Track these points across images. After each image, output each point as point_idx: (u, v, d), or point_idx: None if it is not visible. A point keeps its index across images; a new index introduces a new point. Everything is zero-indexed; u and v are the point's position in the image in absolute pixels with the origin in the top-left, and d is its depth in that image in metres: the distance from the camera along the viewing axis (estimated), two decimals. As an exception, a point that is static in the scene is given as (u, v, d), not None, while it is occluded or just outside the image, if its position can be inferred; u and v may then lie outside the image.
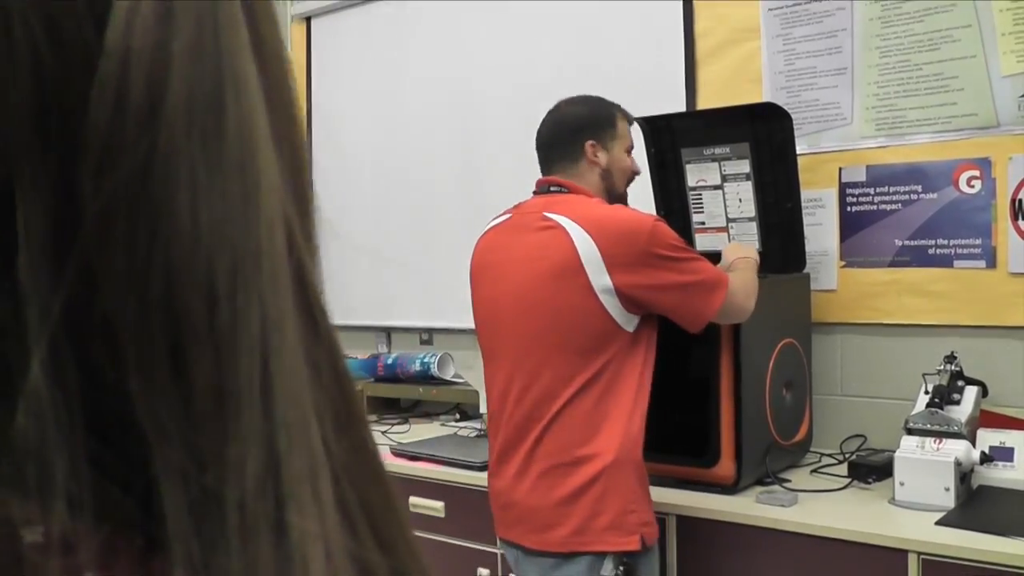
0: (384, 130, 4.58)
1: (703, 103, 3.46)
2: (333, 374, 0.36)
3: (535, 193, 2.61)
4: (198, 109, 0.31)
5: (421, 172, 4.39)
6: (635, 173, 2.72)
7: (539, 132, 2.69)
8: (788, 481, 2.76)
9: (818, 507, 2.55)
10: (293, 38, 5.01)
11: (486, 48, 4.17)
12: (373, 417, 4.12)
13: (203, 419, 0.31)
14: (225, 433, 0.31)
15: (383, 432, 3.80)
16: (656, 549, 2.47)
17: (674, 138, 3.21)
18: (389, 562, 0.36)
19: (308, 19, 4.94)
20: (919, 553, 2.23)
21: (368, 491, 0.36)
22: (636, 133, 2.82)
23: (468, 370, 3.79)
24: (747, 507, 2.58)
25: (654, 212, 3.26)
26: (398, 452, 3.39)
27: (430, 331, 4.38)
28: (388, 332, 4.54)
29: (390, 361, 4.21)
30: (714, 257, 2.74)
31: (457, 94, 4.25)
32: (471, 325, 3.71)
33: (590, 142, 2.60)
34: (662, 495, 2.71)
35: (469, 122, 4.21)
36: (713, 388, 2.68)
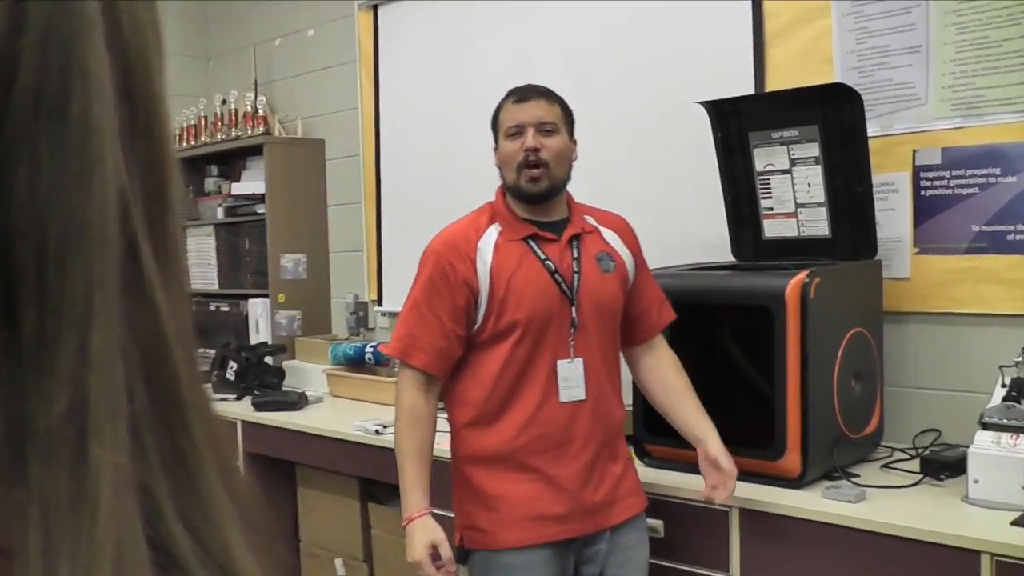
0: (449, 115, 4.56)
1: (772, 85, 3.36)
2: (153, 336, 0.40)
3: None
4: (45, 96, 0.36)
5: (485, 159, 4.33)
6: (518, 154, 2.49)
7: None
8: (856, 476, 2.66)
9: (887, 504, 2.45)
10: (360, 26, 5.00)
11: (550, 33, 4.11)
12: (440, 404, 4.09)
13: (27, 359, 0.36)
14: (43, 372, 0.36)
15: (447, 419, 3.76)
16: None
17: (741, 122, 3.12)
18: (180, 498, 0.40)
19: (375, 7, 4.93)
20: (992, 554, 2.14)
21: (172, 436, 0.41)
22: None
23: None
24: (813, 502, 2.50)
25: (722, 198, 3.19)
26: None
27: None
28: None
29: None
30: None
31: (522, 80, 4.17)
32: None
33: (493, 147, 2.63)
34: (725, 488, 2.65)
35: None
36: (779, 379, 2.60)
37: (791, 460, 2.60)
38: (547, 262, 2.48)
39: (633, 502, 2.57)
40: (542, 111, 2.51)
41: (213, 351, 5.19)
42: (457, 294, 2.45)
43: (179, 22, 6.05)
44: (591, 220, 2.61)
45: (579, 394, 2.47)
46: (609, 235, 2.62)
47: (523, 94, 2.55)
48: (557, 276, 2.47)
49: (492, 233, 2.50)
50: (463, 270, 2.45)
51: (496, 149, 2.59)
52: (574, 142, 2.60)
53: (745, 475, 2.68)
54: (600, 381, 2.51)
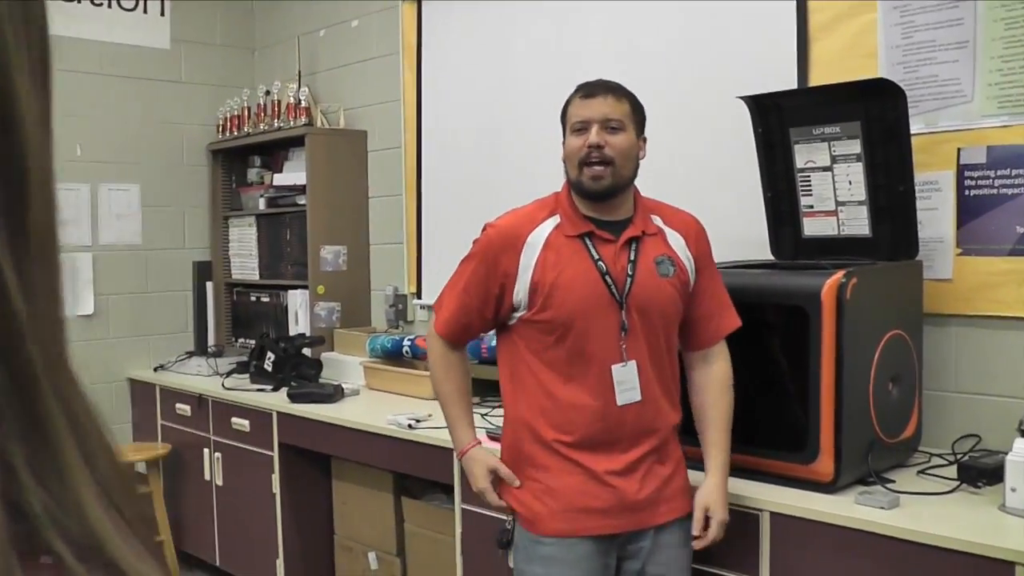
0: (491, 109, 4.53)
1: (815, 80, 3.30)
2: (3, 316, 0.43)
3: None
4: None
5: (526, 152, 4.31)
6: (581, 150, 2.46)
7: None
8: (892, 482, 2.60)
9: (921, 511, 2.39)
10: (404, 17, 4.98)
11: (592, 27, 4.07)
12: (476, 399, 4.07)
13: None
14: None
15: (483, 415, 3.74)
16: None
17: (782, 117, 3.07)
18: (35, 463, 0.43)
19: (419, 0, 4.90)
20: (1028, 566, 2.07)
21: (28, 408, 0.44)
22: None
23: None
24: (845, 507, 2.44)
25: (762, 195, 3.14)
26: (494, 435, 3.32)
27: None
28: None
29: (495, 343, 4.13)
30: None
31: (564, 73, 4.15)
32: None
33: (562, 142, 2.59)
34: (756, 490, 2.61)
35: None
36: (813, 380, 2.55)
37: (824, 464, 2.54)
38: (600, 262, 2.44)
39: (679, 504, 2.53)
40: (608, 107, 2.45)
41: (253, 341, 5.22)
42: (493, 283, 2.50)
43: (225, 13, 6.07)
44: (658, 221, 2.55)
45: (636, 396, 2.45)
46: (674, 237, 2.54)
47: (591, 89, 2.49)
48: (608, 278, 2.43)
49: (548, 226, 2.49)
50: (506, 262, 2.47)
51: (564, 143, 2.55)
52: (643, 140, 2.55)
53: (778, 479, 2.64)
54: (649, 384, 2.47)
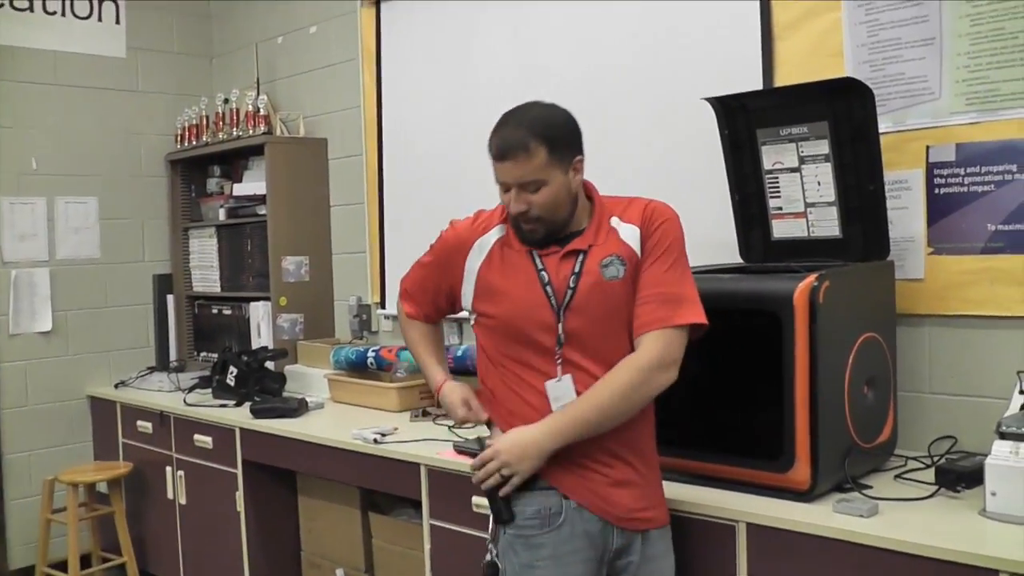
0: (453, 114, 4.47)
1: (781, 80, 3.26)
2: None
3: None
4: None
5: (488, 157, 4.24)
6: (509, 206, 2.39)
7: None
8: (869, 488, 2.55)
9: (901, 518, 2.33)
10: (363, 22, 4.92)
11: (555, 30, 4.02)
12: (441, 410, 4.00)
13: None
14: None
15: (450, 427, 3.68)
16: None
17: (748, 118, 3.02)
18: None
19: (378, 3, 4.84)
20: (1012, 573, 2.02)
21: None
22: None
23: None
24: (823, 516, 2.38)
25: (730, 197, 3.09)
26: (461, 449, 3.26)
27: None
28: (460, 323, 4.40)
29: (460, 353, 4.08)
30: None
31: (524, 74, 4.10)
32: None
33: None
34: (730, 501, 2.55)
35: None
36: (787, 386, 2.49)
37: (800, 472, 2.48)
38: (543, 272, 2.38)
39: (655, 515, 2.45)
40: (519, 170, 2.31)
41: (215, 355, 5.12)
42: (443, 281, 2.58)
43: (182, 20, 5.97)
44: (615, 221, 2.41)
45: None
46: (628, 231, 2.40)
47: (500, 150, 2.34)
48: (548, 288, 2.36)
49: (496, 234, 2.47)
50: (456, 263, 2.52)
51: None
52: (578, 161, 2.38)
53: (752, 488, 2.58)
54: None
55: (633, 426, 2.40)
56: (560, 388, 2.36)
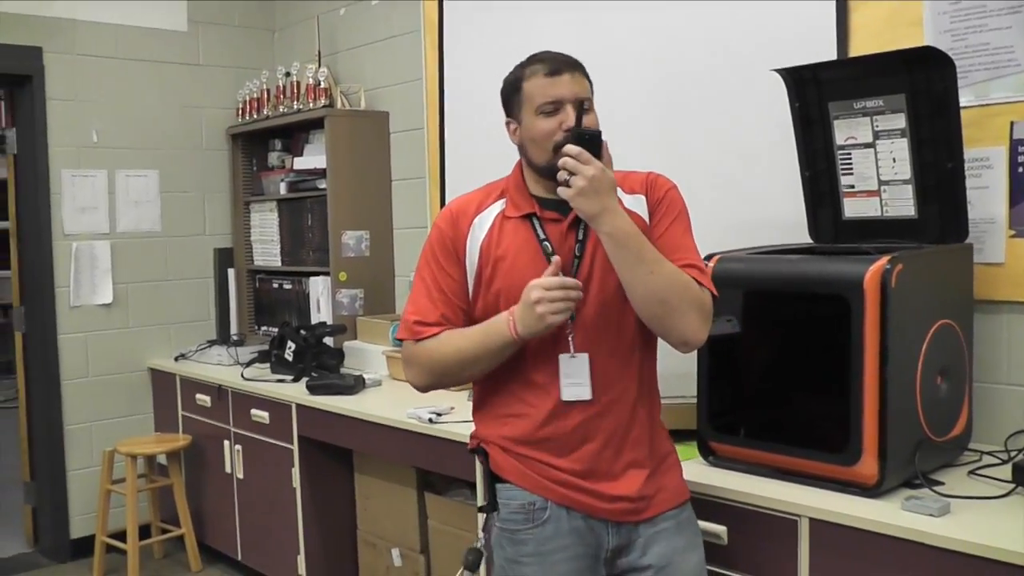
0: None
1: (856, 50, 3.11)
2: None
3: None
4: None
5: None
6: (555, 133, 2.20)
7: None
8: (940, 484, 2.40)
9: (974, 518, 2.19)
10: (426, 11, 4.81)
11: (617, 7, 3.87)
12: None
13: None
14: None
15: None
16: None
17: (821, 90, 2.88)
18: None
19: (441, -11, 4.74)
20: (1095, 581, 1.88)
21: None
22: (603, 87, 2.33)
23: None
24: (891, 514, 2.25)
25: (800, 173, 2.95)
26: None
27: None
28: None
29: (519, 332, 3.98)
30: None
31: (589, 50, 3.93)
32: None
33: (506, 121, 2.38)
34: (793, 494, 2.43)
35: (601, 90, 3.92)
36: (855, 375, 2.36)
37: (868, 465, 2.35)
38: (545, 242, 2.23)
39: (665, 497, 2.29)
40: (578, 86, 2.24)
41: (275, 329, 5.09)
42: (451, 267, 2.31)
43: (246, -7, 5.93)
44: (619, 193, 2.21)
45: (583, 393, 2.21)
46: (632, 201, 2.26)
47: (556, 65, 2.27)
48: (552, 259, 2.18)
49: (495, 209, 2.32)
50: (458, 244, 2.31)
51: (515, 126, 2.32)
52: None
53: (816, 481, 2.46)
54: (612, 377, 2.23)
55: (632, 416, 2.26)
56: (574, 365, 2.20)
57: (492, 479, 2.32)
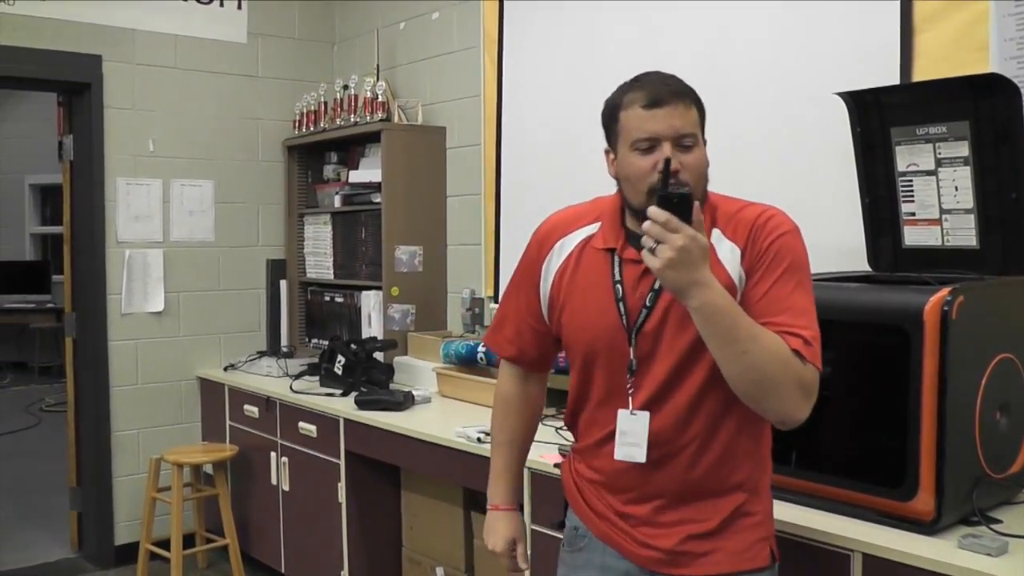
0: (575, 107, 4.34)
1: (920, 75, 3.06)
2: None
3: None
4: None
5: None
6: (650, 174, 1.97)
7: None
8: (998, 522, 2.33)
9: (1034, 559, 2.13)
10: (485, 9, 4.81)
11: (681, 21, 3.85)
12: (551, 410, 3.89)
13: None
14: None
15: (557, 429, 3.55)
16: None
17: (883, 115, 2.83)
18: None
19: (502, -8, 4.74)
20: None
21: None
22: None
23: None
24: (947, 552, 2.18)
25: (860, 199, 2.89)
26: (567, 453, 3.12)
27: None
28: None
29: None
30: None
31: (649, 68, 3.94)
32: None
33: (605, 149, 2.14)
34: (846, 527, 2.37)
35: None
36: (912, 407, 2.30)
37: (924, 501, 2.29)
38: (618, 284, 2.07)
39: (719, 559, 2.09)
40: (679, 120, 1.97)
41: (326, 342, 5.09)
42: (531, 286, 2.25)
43: (305, 6, 5.96)
44: (715, 235, 2.02)
45: (638, 455, 2.04)
46: (727, 251, 2.02)
47: (656, 96, 1.98)
48: (621, 304, 2.05)
49: (583, 233, 2.18)
50: (541, 261, 2.22)
51: (613, 156, 2.10)
52: (704, 142, 2.06)
53: (870, 514, 2.40)
54: (668, 435, 2.05)
55: (690, 469, 2.07)
56: (633, 424, 2.05)
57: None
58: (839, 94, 2.88)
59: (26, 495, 6.80)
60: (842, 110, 2.88)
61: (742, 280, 1.99)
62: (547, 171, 4.48)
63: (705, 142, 2.05)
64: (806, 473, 2.55)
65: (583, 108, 4.27)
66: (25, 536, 5.90)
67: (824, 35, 3.34)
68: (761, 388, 1.88)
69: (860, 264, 2.98)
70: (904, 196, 2.84)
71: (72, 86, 5.25)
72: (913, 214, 2.83)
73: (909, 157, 2.79)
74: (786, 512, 2.47)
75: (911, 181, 2.81)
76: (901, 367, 2.32)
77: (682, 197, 1.81)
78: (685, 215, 1.79)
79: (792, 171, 3.40)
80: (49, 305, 10.98)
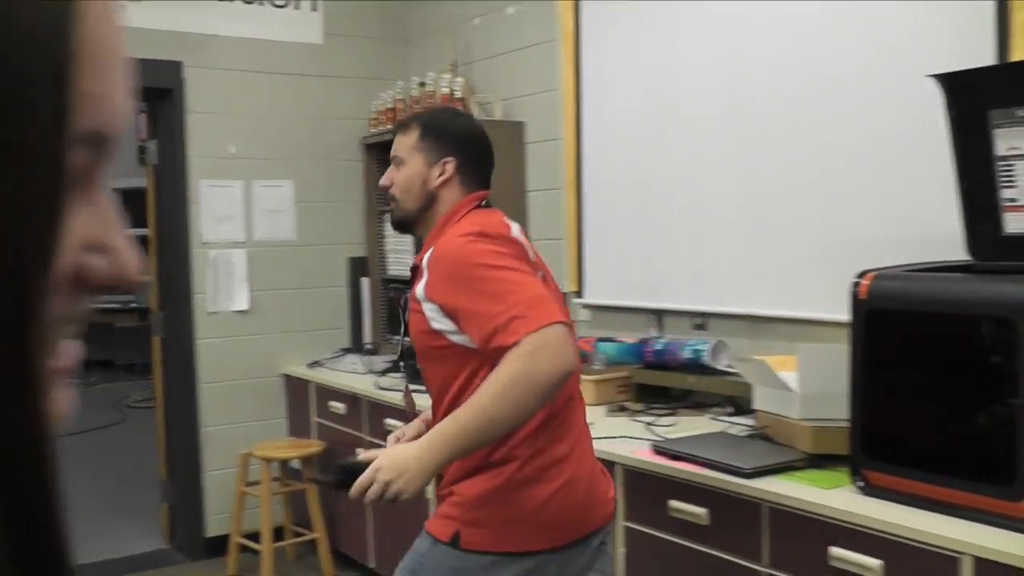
0: (655, 100, 4.27)
1: (1018, 54, 2.95)
2: None
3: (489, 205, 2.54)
4: None
5: (689, 149, 4.05)
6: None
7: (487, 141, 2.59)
8: (1117, 523, 2.25)
9: None
10: (562, 21, 4.76)
11: (764, 10, 3.75)
12: (639, 406, 3.85)
13: None
14: None
15: (648, 424, 3.51)
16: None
17: (980, 98, 2.73)
18: None
19: (578, -6, 4.69)
20: None
21: None
22: None
23: (742, 362, 3.42)
24: (1061, 555, 2.11)
25: (956, 186, 2.81)
26: (660, 450, 3.10)
27: (704, 316, 4.05)
28: (660, 314, 4.23)
29: (659, 347, 3.92)
30: None
31: (730, 64, 3.87)
32: (749, 311, 3.37)
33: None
34: (954, 530, 2.30)
35: (740, 100, 3.82)
36: (1021, 402, 2.21)
37: (1035, 500, 2.21)
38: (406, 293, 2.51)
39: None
40: (396, 145, 2.50)
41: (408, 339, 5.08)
42: (531, 268, 2.37)
43: (379, 5, 5.98)
44: (428, 253, 2.35)
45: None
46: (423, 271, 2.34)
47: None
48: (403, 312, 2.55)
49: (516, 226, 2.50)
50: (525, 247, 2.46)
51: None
52: (443, 162, 2.42)
53: (979, 515, 2.32)
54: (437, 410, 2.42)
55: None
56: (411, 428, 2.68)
57: None
58: (933, 76, 2.80)
59: (116, 488, 6.93)
60: (933, 91, 2.80)
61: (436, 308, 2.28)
62: (630, 166, 4.43)
63: (446, 161, 2.43)
64: (909, 471, 2.48)
65: (664, 102, 4.24)
66: (117, 528, 6.02)
67: (916, 13, 3.25)
68: (529, 406, 2.07)
69: (957, 253, 2.89)
70: (1003, 181, 2.74)
71: (155, 92, 5.33)
72: (1014, 200, 2.73)
73: (1009, 140, 2.69)
74: (892, 512, 2.41)
75: (1012, 165, 2.71)
76: (1008, 360, 2.24)
77: (358, 467, 2.15)
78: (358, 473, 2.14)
79: (884, 158, 3.32)
80: (133, 305, 11.13)
